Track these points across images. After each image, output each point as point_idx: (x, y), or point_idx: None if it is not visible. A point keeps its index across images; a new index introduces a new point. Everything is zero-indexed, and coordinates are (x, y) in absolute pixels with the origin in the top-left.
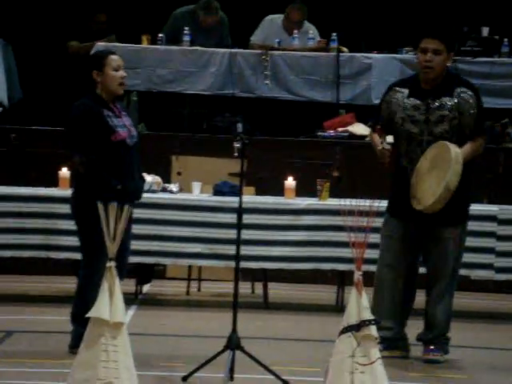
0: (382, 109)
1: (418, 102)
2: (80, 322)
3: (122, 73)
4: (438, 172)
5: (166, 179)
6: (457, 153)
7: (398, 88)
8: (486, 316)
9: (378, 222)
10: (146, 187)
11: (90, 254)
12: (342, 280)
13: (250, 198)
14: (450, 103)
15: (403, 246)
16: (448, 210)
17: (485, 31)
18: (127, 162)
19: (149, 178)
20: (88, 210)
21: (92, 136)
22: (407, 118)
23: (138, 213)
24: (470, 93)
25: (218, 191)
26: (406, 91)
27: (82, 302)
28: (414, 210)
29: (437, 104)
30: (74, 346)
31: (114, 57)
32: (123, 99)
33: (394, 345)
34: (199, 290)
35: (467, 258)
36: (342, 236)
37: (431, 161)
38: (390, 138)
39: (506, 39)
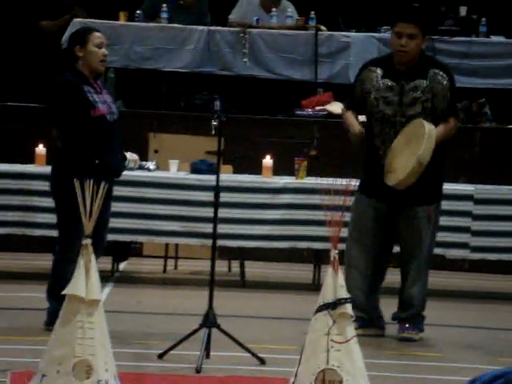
0: (356, 88)
1: (392, 83)
2: (56, 298)
3: (103, 50)
4: (412, 147)
5: (144, 157)
6: (430, 129)
7: (372, 68)
8: (460, 295)
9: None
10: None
11: (66, 231)
12: (319, 258)
13: (227, 177)
14: (423, 85)
15: (372, 224)
16: (421, 188)
17: (463, 11)
18: (106, 138)
19: (126, 155)
20: (66, 186)
21: (71, 110)
22: (381, 98)
23: (116, 190)
24: (443, 74)
25: (195, 169)
26: (380, 71)
27: (57, 279)
28: (387, 189)
29: (411, 85)
30: (50, 323)
31: (97, 34)
32: (101, 76)
33: (369, 323)
34: (176, 267)
35: (443, 237)
36: (318, 215)
37: (406, 138)
38: (361, 118)
39: (483, 19)
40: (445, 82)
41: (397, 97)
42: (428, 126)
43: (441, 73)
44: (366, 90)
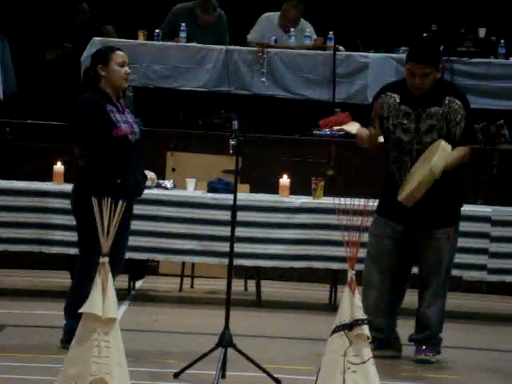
0: (373, 110)
1: (409, 109)
2: (73, 316)
3: (126, 69)
4: (426, 163)
5: (161, 175)
6: (446, 144)
7: (389, 93)
8: (478, 317)
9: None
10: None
11: (87, 249)
12: (335, 279)
13: (244, 196)
14: (439, 113)
15: (390, 246)
16: (440, 210)
17: (481, 32)
18: (128, 157)
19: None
20: (87, 204)
21: (94, 130)
22: (399, 125)
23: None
24: (458, 102)
25: (212, 188)
26: (398, 97)
27: (76, 297)
28: (405, 211)
29: (427, 113)
30: (67, 341)
31: (119, 52)
32: (124, 95)
33: (385, 344)
34: (192, 286)
35: (460, 258)
36: (335, 235)
37: (422, 159)
38: (381, 139)
39: (502, 40)
40: (460, 110)
41: (413, 124)
42: (444, 142)
43: (457, 101)
44: (383, 115)
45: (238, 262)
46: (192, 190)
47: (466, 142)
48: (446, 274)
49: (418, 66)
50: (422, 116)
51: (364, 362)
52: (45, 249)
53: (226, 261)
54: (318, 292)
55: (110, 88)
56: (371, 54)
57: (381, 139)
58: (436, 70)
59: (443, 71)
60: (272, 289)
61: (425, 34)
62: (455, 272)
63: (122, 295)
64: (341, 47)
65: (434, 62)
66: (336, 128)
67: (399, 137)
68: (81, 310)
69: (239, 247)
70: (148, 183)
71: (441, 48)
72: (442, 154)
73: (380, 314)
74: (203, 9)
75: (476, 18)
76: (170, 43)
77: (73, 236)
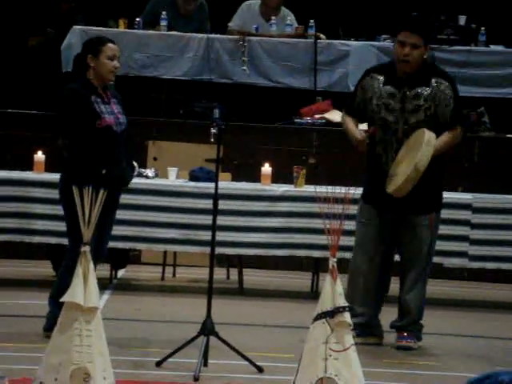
0: (358, 94)
1: (394, 90)
2: (58, 303)
3: (115, 63)
4: (411, 155)
5: (142, 164)
6: (430, 136)
7: (374, 74)
8: (459, 304)
9: (353, 209)
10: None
11: (74, 238)
12: (317, 266)
13: (226, 184)
14: (425, 93)
15: (378, 233)
16: (422, 197)
17: (462, 20)
18: (113, 148)
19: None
20: (73, 194)
21: (78, 120)
22: (383, 105)
23: None
24: (446, 83)
25: (194, 177)
26: (382, 78)
27: (62, 285)
28: (388, 197)
29: (413, 93)
30: (49, 329)
31: (111, 45)
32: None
33: (367, 331)
34: (174, 275)
35: (441, 245)
36: (317, 223)
37: (408, 147)
38: (362, 126)
39: (482, 28)
40: (448, 91)
41: (399, 104)
42: (428, 134)
43: (444, 82)
44: (367, 97)
45: (219, 250)
46: (173, 179)
47: (455, 123)
48: (426, 261)
49: (409, 36)
50: (407, 96)
51: (346, 350)
52: (26, 238)
53: (207, 249)
54: (300, 280)
55: (96, 79)
56: (352, 42)
57: (363, 126)
58: (425, 46)
59: (429, 52)
60: (254, 277)
61: None
62: (436, 259)
63: (104, 284)
64: (322, 35)
65: (425, 35)
66: (317, 116)
67: (384, 117)
68: (62, 299)
69: (221, 236)
70: None
71: (434, 25)
72: (426, 149)
73: (367, 302)
74: None
75: (456, 5)
76: (150, 32)
77: (54, 225)
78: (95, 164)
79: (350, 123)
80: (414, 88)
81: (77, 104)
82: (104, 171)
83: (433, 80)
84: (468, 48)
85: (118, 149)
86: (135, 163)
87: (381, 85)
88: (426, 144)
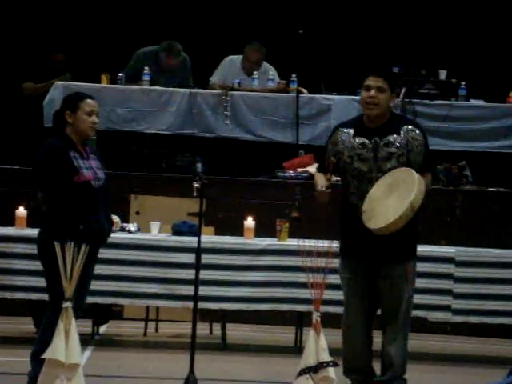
0: (328, 150)
1: (365, 140)
2: (40, 361)
3: (94, 118)
4: (400, 193)
5: (125, 219)
6: (418, 175)
7: (343, 129)
8: (443, 358)
9: (337, 263)
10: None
11: (54, 294)
12: (301, 321)
13: (209, 238)
14: (397, 140)
15: (360, 287)
16: (396, 245)
17: (442, 74)
18: (91, 203)
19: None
20: (52, 249)
21: (56, 175)
22: (356, 156)
23: None
24: (417, 131)
25: (176, 231)
26: (352, 131)
27: (44, 342)
28: (364, 247)
29: (384, 141)
30: None
31: (89, 101)
32: (89, 141)
33: None
34: (157, 330)
35: (424, 299)
36: (300, 277)
37: (388, 186)
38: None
39: (463, 83)
40: (419, 138)
41: (371, 153)
42: (415, 172)
43: (415, 129)
44: (339, 151)
45: (202, 305)
46: (156, 233)
47: (427, 170)
48: (405, 312)
49: (374, 79)
50: (379, 145)
51: None
52: (8, 294)
53: (190, 304)
54: (284, 334)
55: (75, 135)
56: (334, 96)
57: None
58: (391, 92)
59: (394, 101)
60: (237, 332)
61: None
62: (419, 313)
63: (86, 340)
64: (304, 90)
65: (390, 80)
66: (300, 170)
67: (358, 167)
68: (43, 356)
69: (204, 290)
70: (113, 227)
71: (396, 77)
72: (419, 188)
73: (362, 357)
74: (167, 53)
75: (437, 60)
76: (133, 87)
77: (35, 281)
78: (73, 219)
79: (319, 177)
80: (385, 136)
81: (55, 158)
82: (81, 227)
83: (404, 127)
84: (449, 102)
85: (97, 204)
86: (117, 218)
87: (351, 138)
88: (418, 182)
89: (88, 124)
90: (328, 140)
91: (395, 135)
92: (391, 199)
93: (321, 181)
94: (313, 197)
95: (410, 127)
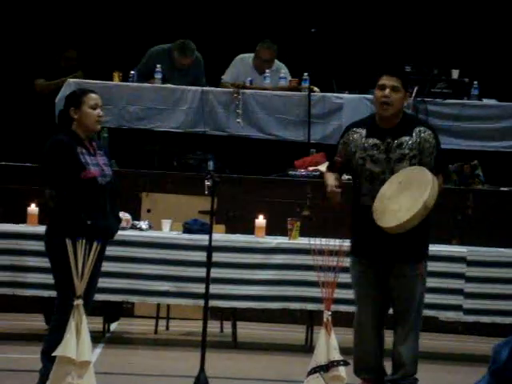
0: (340, 150)
1: (378, 141)
2: (51, 358)
3: (98, 111)
4: (413, 192)
5: (136, 216)
6: (432, 175)
7: (355, 129)
8: (454, 358)
9: (348, 261)
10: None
11: (63, 291)
12: (312, 320)
13: (220, 236)
14: (410, 142)
15: (371, 287)
16: (408, 246)
17: (455, 73)
18: (99, 200)
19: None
20: (60, 245)
21: (63, 171)
22: (368, 157)
23: (108, 250)
24: (429, 132)
25: (187, 229)
26: (364, 131)
27: (54, 340)
28: (377, 247)
29: (396, 142)
30: None
31: (92, 95)
32: (95, 136)
33: None
34: (167, 328)
35: (436, 299)
36: (311, 275)
37: (400, 184)
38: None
39: (475, 82)
40: (431, 140)
41: (383, 154)
42: (429, 172)
43: (427, 131)
44: (350, 151)
45: (213, 303)
46: (167, 231)
47: (439, 171)
48: (418, 312)
49: (389, 78)
50: (392, 146)
51: None
52: (19, 291)
53: (201, 302)
54: (295, 333)
55: (81, 130)
56: (346, 95)
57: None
58: (405, 92)
59: (408, 101)
60: (248, 330)
61: None
62: (431, 312)
63: (97, 338)
64: (316, 88)
65: (404, 79)
66: (311, 168)
67: (370, 168)
68: (54, 353)
69: (215, 288)
70: (123, 224)
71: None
72: (434, 188)
73: (375, 357)
74: (181, 52)
75: (449, 59)
76: (145, 84)
77: (47, 278)
78: (80, 214)
79: (329, 175)
80: (398, 138)
81: (62, 154)
82: (89, 222)
83: (416, 129)
84: (461, 101)
85: (103, 200)
86: (129, 215)
87: (363, 138)
88: (432, 182)
89: (94, 117)
90: (339, 140)
91: (408, 137)
92: (404, 198)
93: (331, 180)
94: (323, 196)
95: (422, 128)
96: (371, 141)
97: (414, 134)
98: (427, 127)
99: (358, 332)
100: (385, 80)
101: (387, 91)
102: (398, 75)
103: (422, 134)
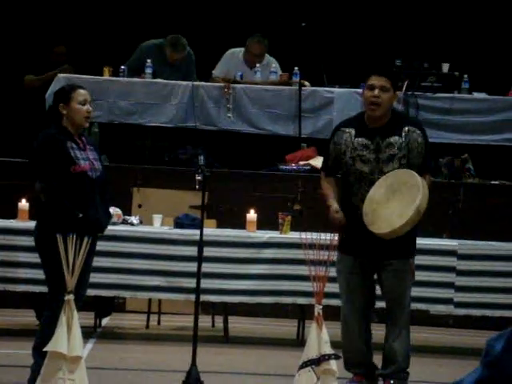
0: (331, 151)
1: (367, 141)
2: (42, 354)
3: (87, 107)
4: (404, 197)
5: (127, 211)
6: (421, 178)
7: (344, 128)
8: (445, 351)
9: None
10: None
11: (54, 286)
12: (303, 314)
13: (211, 231)
14: (399, 142)
15: (358, 283)
16: (397, 244)
17: (445, 67)
18: (88, 194)
19: (111, 211)
20: (50, 240)
21: (53, 165)
22: (357, 157)
23: (99, 245)
24: (418, 131)
25: (178, 224)
26: (353, 131)
27: (45, 335)
28: (366, 245)
29: (386, 143)
30: (34, 381)
31: (81, 91)
32: (85, 131)
33: (371, 381)
34: (159, 323)
35: (426, 292)
36: (302, 270)
37: (389, 188)
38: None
39: (465, 75)
40: (420, 139)
41: (373, 154)
42: (418, 175)
43: (416, 130)
44: (340, 151)
45: (204, 298)
46: (158, 226)
47: (426, 170)
48: (407, 307)
49: (377, 79)
50: (380, 146)
51: None
52: (10, 287)
53: (192, 297)
54: (286, 327)
55: (71, 126)
56: (336, 89)
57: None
58: (394, 92)
59: (397, 99)
60: (239, 324)
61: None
62: (422, 306)
63: (88, 333)
64: (306, 82)
65: (392, 79)
66: (302, 163)
67: (359, 168)
68: (46, 349)
69: (206, 283)
70: (114, 219)
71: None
72: (424, 192)
73: (361, 352)
74: (172, 47)
75: (439, 53)
76: (135, 79)
77: (38, 274)
78: (71, 208)
79: (329, 193)
80: (387, 137)
81: (53, 148)
82: (80, 215)
83: (405, 128)
84: (451, 95)
85: (93, 194)
86: (119, 210)
87: (353, 137)
88: (422, 186)
89: (83, 113)
90: (329, 141)
91: (396, 137)
92: (394, 202)
93: (334, 205)
94: (326, 217)
95: (411, 128)
96: (361, 140)
97: (403, 134)
98: (416, 126)
99: (344, 329)
100: (374, 80)
101: (376, 91)
102: (387, 75)
103: (411, 134)
